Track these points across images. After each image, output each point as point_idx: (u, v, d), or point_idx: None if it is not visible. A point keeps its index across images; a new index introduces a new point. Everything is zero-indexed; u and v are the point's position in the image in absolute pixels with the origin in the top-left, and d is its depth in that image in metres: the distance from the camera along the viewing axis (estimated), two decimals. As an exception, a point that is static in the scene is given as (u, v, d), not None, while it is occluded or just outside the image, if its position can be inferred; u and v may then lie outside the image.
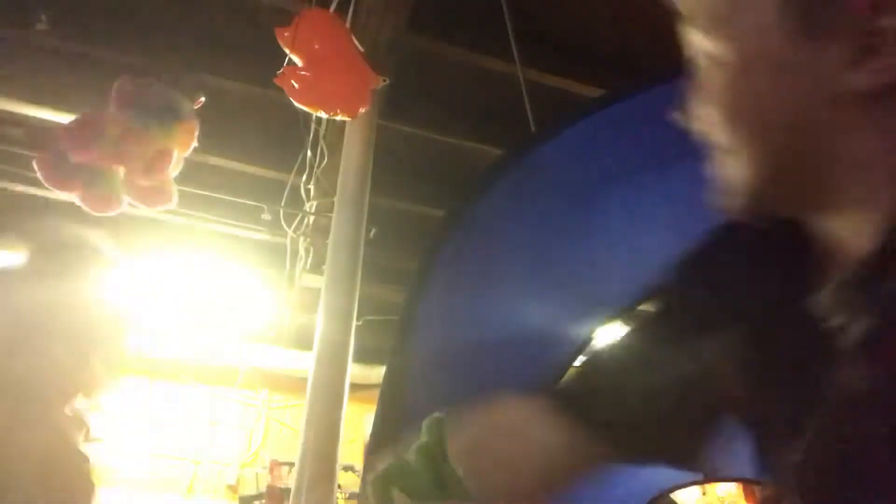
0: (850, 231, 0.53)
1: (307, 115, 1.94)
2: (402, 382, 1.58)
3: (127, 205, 1.82)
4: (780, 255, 0.59)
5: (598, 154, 1.45)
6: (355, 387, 1.65)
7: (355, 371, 1.68)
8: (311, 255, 2.84)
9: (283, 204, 2.50)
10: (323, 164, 2.22)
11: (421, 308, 1.65)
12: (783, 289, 0.57)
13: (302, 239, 2.72)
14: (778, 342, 0.57)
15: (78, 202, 1.78)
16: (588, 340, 1.56)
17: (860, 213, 0.51)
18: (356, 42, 1.66)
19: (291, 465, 3.53)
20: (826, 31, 0.47)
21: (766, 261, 0.60)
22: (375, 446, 1.58)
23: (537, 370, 1.62)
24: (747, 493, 3.62)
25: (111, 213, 1.80)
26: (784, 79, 0.49)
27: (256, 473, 3.92)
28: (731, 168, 0.54)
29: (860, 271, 0.50)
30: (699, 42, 0.55)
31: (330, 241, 1.85)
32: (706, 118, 0.56)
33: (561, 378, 1.69)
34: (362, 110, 1.70)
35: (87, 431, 1.15)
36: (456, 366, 1.60)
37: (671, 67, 0.62)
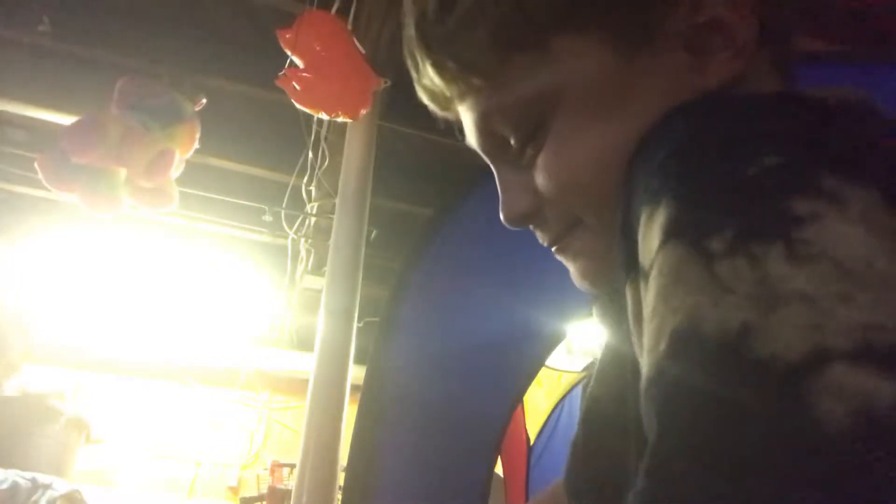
0: None
1: (308, 117, 1.94)
2: (382, 385, 1.59)
3: (128, 206, 1.82)
4: None
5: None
6: (356, 388, 1.64)
7: (356, 372, 1.67)
8: (312, 256, 2.84)
9: (284, 205, 2.50)
10: (324, 166, 2.22)
11: (400, 312, 1.66)
12: None
13: (303, 240, 2.72)
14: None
15: (79, 203, 1.78)
16: (561, 336, 1.59)
17: None
18: (357, 43, 1.66)
19: (292, 466, 3.53)
20: (655, 39, 0.41)
21: None
22: (357, 446, 1.58)
23: (511, 369, 1.63)
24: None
25: (112, 215, 1.80)
26: (622, 103, 0.41)
27: (257, 475, 3.92)
28: (579, 255, 0.46)
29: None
30: (484, 104, 0.44)
31: (331, 242, 1.85)
32: (529, 203, 0.45)
33: (533, 374, 1.71)
34: (363, 112, 1.70)
35: (88, 433, 1.15)
36: (433, 368, 1.61)
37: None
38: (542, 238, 0.48)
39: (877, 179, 0.28)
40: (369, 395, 1.61)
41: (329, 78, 1.59)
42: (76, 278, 3.31)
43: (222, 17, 2.13)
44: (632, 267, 0.32)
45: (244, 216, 2.81)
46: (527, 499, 2.42)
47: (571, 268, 0.47)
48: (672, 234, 0.28)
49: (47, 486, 2.17)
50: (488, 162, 0.48)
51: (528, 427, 2.63)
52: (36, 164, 1.75)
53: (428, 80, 0.47)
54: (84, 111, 1.82)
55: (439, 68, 0.44)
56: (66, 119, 2.03)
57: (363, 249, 1.84)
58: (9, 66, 2.18)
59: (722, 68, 0.40)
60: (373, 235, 2.01)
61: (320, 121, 2.05)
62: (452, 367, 1.61)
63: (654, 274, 0.29)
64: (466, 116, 0.46)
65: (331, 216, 2.02)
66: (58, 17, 2.01)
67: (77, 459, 2.82)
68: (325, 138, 2.22)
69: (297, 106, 1.62)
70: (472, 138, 0.47)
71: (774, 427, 0.22)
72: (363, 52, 1.66)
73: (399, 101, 2.15)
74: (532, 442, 2.61)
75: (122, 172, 1.76)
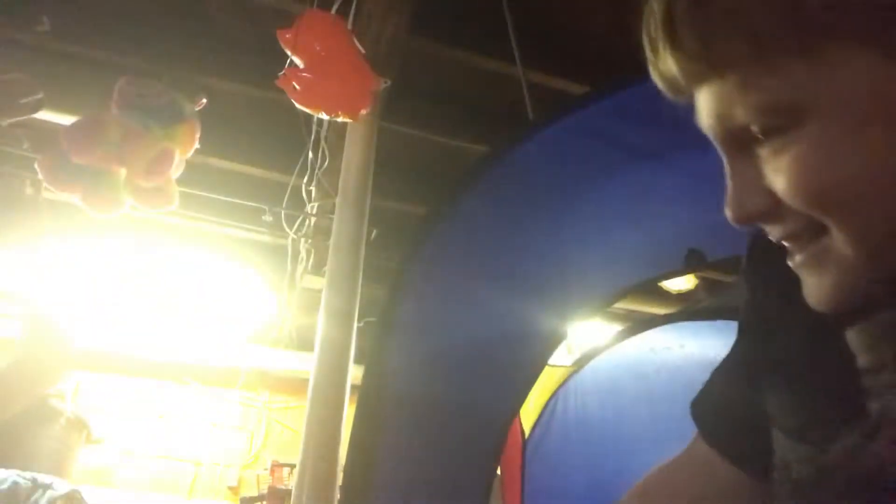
0: None
1: (308, 117, 1.94)
2: (381, 385, 1.59)
3: (128, 206, 1.82)
4: None
5: (569, 156, 1.47)
6: (356, 388, 1.64)
7: (356, 372, 1.67)
8: (312, 256, 2.84)
9: (284, 205, 2.50)
10: (324, 166, 2.21)
11: (399, 311, 1.66)
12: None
13: (303, 240, 2.72)
14: (812, 360, 0.52)
15: (80, 204, 1.78)
16: (562, 336, 1.59)
17: None
18: (357, 43, 1.66)
19: (292, 466, 3.53)
20: None
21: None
22: (355, 447, 1.59)
23: (513, 369, 1.63)
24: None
25: (112, 215, 1.80)
26: (883, 117, 0.39)
27: (257, 475, 3.92)
28: (822, 264, 0.43)
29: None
30: (730, 95, 0.42)
31: (331, 242, 1.85)
32: (771, 211, 0.43)
33: (536, 374, 1.72)
34: (364, 112, 1.70)
35: (88, 433, 1.15)
36: (432, 368, 1.61)
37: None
38: (773, 232, 0.45)
39: None
40: (368, 395, 1.60)
41: (329, 78, 1.59)
42: (76, 278, 3.31)
43: (222, 17, 2.13)
44: None
45: (244, 216, 2.81)
46: (522, 496, 2.42)
47: (812, 281, 0.44)
48: None
49: (47, 486, 2.17)
50: (719, 149, 0.46)
51: (522, 421, 2.63)
52: (36, 165, 1.75)
53: (665, 65, 0.45)
54: (84, 111, 1.82)
55: (684, 54, 0.43)
56: (66, 119, 2.03)
57: (363, 249, 1.84)
58: (9, 67, 2.18)
59: None
60: (373, 235, 2.01)
61: (320, 121, 2.05)
62: (451, 368, 1.60)
63: None
64: (706, 103, 0.44)
65: (331, 216, 2.02)
66: (58, 17, 2.00)
67: (77, 459, 2.82)
68: (325, 138, 2.22)
69: (297, 106, 1.62)
70: (707, 124, 0.46)
71: None
72: (363, 51, 1.66)
73: (399, 101, 2.15)
74: (527, 436, 2.61)
75: (123, 172, 1.76)
